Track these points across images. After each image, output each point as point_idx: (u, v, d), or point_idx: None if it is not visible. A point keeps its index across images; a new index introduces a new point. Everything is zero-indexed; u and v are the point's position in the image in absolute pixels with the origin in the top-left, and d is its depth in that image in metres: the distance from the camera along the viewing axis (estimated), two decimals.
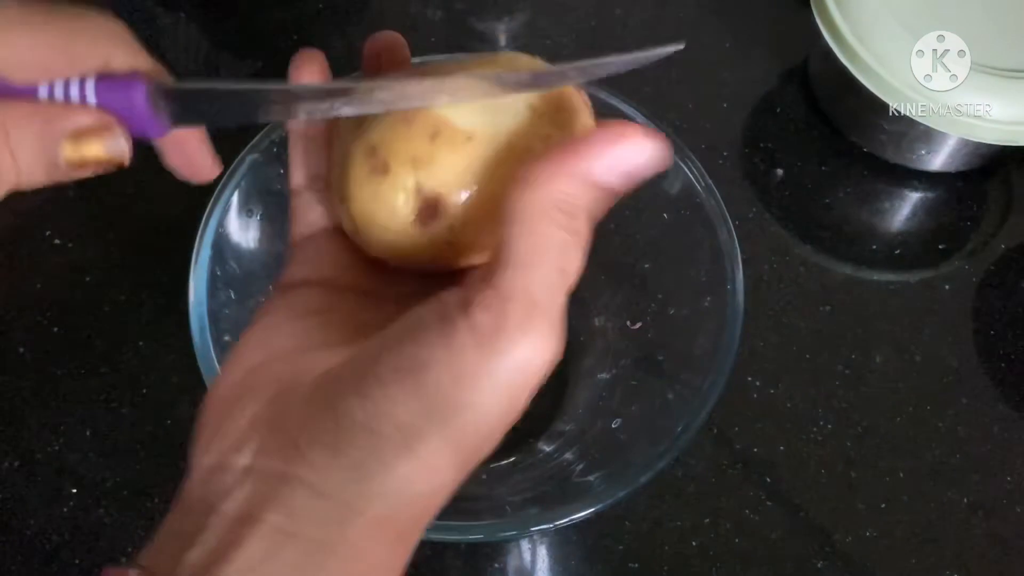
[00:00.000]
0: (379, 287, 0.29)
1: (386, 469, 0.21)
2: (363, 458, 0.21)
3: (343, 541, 0.21)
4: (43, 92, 0.23)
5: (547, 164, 0.23)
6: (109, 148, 0.24)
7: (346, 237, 0.30)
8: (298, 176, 0.32)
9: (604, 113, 0.45)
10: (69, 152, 0.23)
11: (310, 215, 0.31)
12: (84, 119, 0.23)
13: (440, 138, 0.26)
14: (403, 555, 0.23)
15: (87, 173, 0.24)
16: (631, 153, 0.23)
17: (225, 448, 0.23)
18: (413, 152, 0.26)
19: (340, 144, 0.29)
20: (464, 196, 0.26)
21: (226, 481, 0.22)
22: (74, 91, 0.23)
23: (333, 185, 0.29)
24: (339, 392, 0.22)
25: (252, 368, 0.25)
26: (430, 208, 0.26)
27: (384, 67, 0.31)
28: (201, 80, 0.25)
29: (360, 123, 0.28)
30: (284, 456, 0.22)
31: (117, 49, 0.24)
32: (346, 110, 0.25)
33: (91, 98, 0.23)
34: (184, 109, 0.24)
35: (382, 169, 0.26)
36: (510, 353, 0.21)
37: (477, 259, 0.29)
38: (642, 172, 0.23)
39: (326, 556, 0.21)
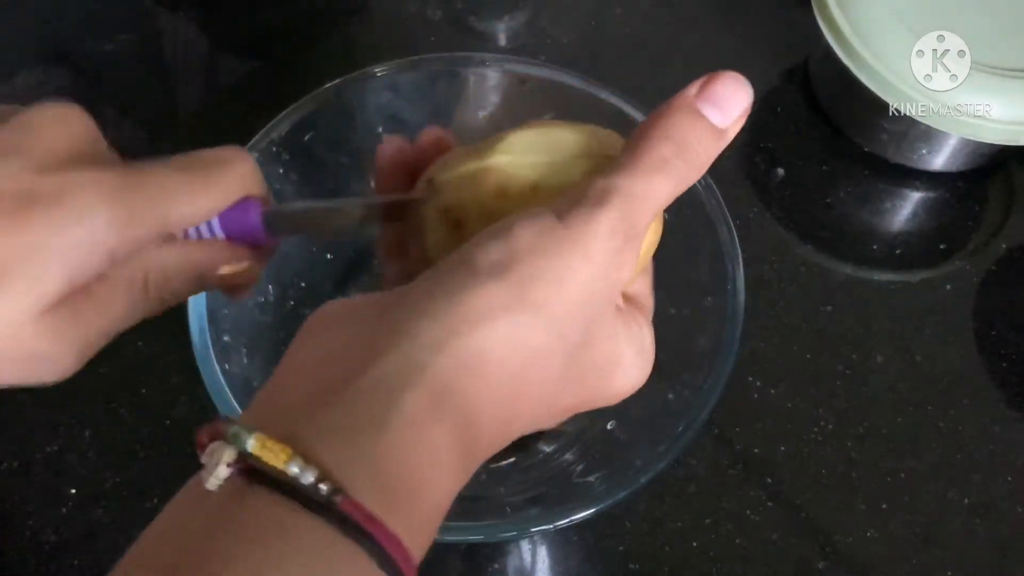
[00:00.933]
0: None
1: (482, 289, 0.23)
2: (460, 281, 0.23)
3: (434, 369, 0.22)
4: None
5: (654, 112, 0.26)
6: (249, 273, 0.29)
7: None
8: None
9: (604, 112, 0.45)
10: (219, 280, 0.29)
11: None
12: (232, 258, 0.29)
13: (508, 193, 0.28)
14: (460, 456, 0.23)
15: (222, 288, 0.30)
16: (724, 86, 0.28)
17: (323, 337, 0.25)
18: (484, 208, 0.28)
19: (415, 217, 0.31)
20: None
21: (320, 349, 0.24)
22: (203, 227, 0.28)
23: (411, 253, 0.31)
24: (438, 269, 0.24)
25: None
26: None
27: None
28: (300, 203, 0.31)
29: (430, 188, 0.30)
30: (384, 316, 0.24)
31: (249, 183, 0.28)
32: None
33: (217, 229, 0.28)
34: (282, 224, 0.29)
35: (455, 226, 0.28)
36: (585, 221, 0.24)
37: None
38: (738, 107, 0.28)
39: (411, 385, 0.22)
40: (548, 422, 0.26)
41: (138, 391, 0.49)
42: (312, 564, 0.19)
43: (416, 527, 0.22)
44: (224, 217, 0.28)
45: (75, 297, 0.25)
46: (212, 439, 0.21)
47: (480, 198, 0.28)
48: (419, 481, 0.22)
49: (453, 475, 0.23)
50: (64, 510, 0.46)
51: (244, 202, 0.28)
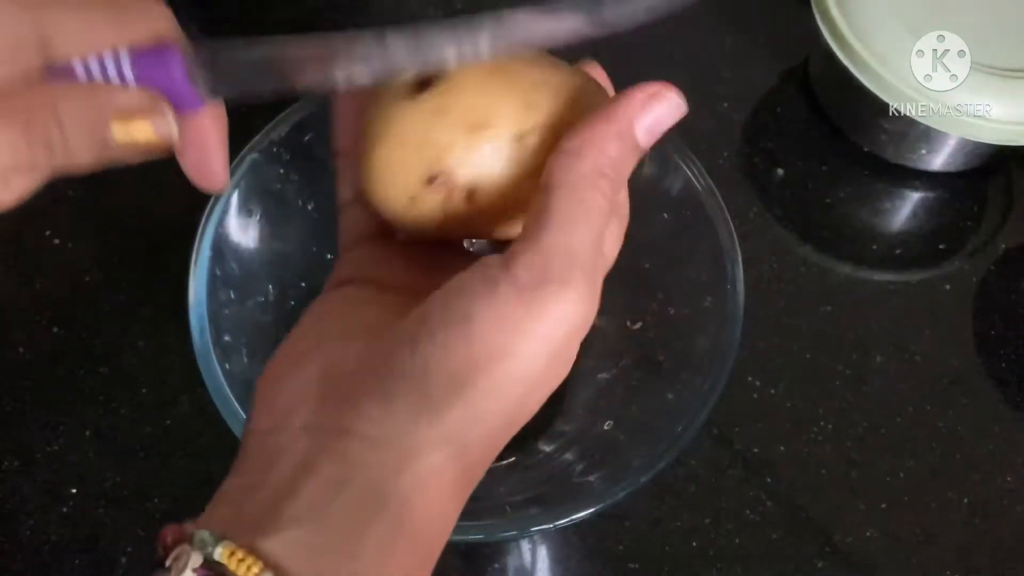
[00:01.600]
0: (424, 285, 0.30)
1: (437, 416, 0.22)
2: (415, 405, 0.22)
3: (396, 490, 0.22)
4: (79, 69, 0.22)
5: (589, 132, 0.24)
6: (159, 129, 0.23)
7: (391, 242, 0.31)
8: (345, 191, 0.33)
9: None
10: (119, 133, 0.23)
11: (357, 225, 0.32)
12: (132, 99, 0.23)
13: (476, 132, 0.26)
14: (456, 507, 0.23)
15: (138, 156, 0.24)
16: (666, 109, 0.25)
17: (280, 411, 0.24)
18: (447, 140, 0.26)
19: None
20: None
21: (282, 440, 0.23)
22: (110, 66, 0.22)
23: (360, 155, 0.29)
24: (390, 349, 0.23)
25: (303, 349, 0.26)
26: (425, 81, 0.27)
27: None
28: (235, 42, 0.24)
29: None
30: (338, 411, 0.23)
31: (166, 23, 0.24)
32: (369, 70, 0.25)
33: (127, 71, 0.22)
34: (220, 77, 0.24)
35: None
36: (551, 305, 0.22)
37: (492, 228, 0.29)
38: (664, 127, 0.26)
39: (380, 504, 0.22)
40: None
41: (138, 391, 0.49)
42: None
43: None
44: (136, 61, 0.22)
45: None
46: (176, 541, 0.21)
47: (410, 131, 0.26)
48: None
49: (438, 550, 0.23)
50: (64, 510, 0.46)
51: (163, 45, 0.23)
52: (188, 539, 0.21)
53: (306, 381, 0.24)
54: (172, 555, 0.21)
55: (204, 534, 0.21)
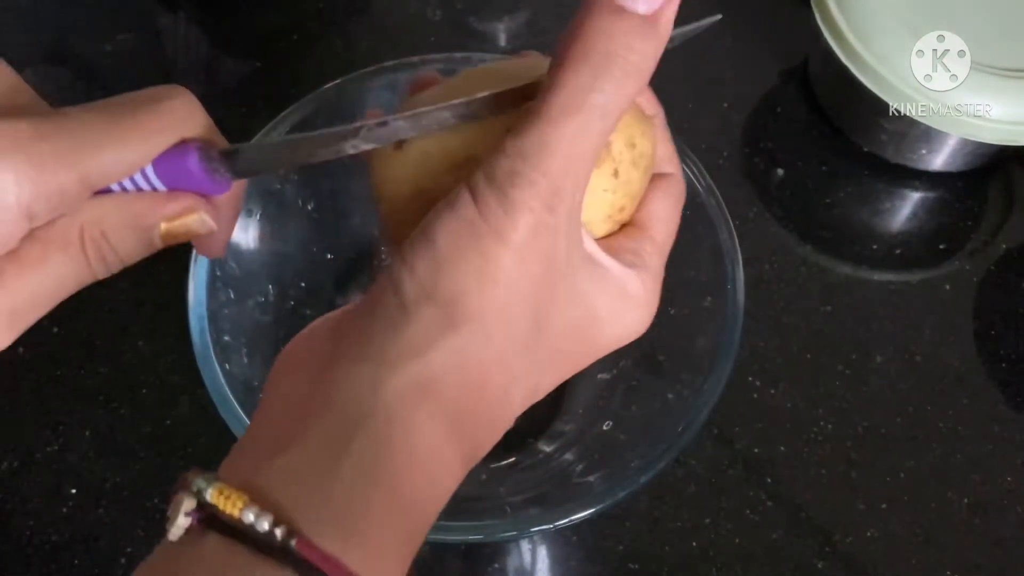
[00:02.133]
0: None
1: (409, 328, 0.23)
2: (392, 320, 0.23)
3: (374, 408, 0.22)
4: (115, 187, 0.25)
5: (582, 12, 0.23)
6: (196, 224, 0.26)
7: None
8: None
9: None
10: (164, 236, 0.26)
11: None
12: (170, 208, 0.25)
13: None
14: (449, 455, 0.23)
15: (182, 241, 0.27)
16: None
17: (290, 371, 0.25)
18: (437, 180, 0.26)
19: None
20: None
21: (286, 391, 0.24)
22: (140, 180, 0.25)
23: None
24: (371, 295, 0.24)
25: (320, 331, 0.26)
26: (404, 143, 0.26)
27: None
28: (251, 142, 0.27)
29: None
30: (330, 350, 0.24)
31: (186, 124, 0.25)
32: (364, 145, 0.26)
33: (153, 178, 0.25)
34: (238, 165, 0.26)
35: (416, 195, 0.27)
36: (506, 217, 0.22)
37: None
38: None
39: (359, 422, 0.22)
40: (537, 397, 0.26)
41: (138, 391, 0.49)
42: None
43: (382, 559, 0.22)
44: (159, 164, 0.25)
45: None
46: (179, 490, 0.22)
47: (405, 180, 0.27)
48: (379, 516, 0.22)
49: (436, 495, 0.23)
50: (64, 510, 0.46)
51: (181, 146, 0.25)
52: (188, 486, 0.21)
53: (312, 342, 0.25)
54: (172, 502, 0.21)
55: (199, 479, 0.21)
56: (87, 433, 0.48)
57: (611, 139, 0.25)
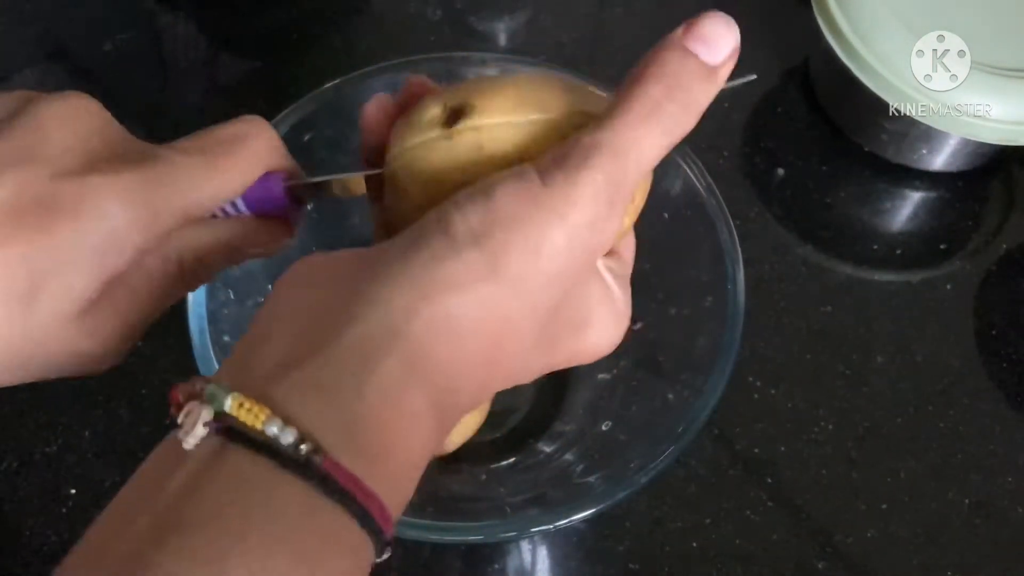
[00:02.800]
0: None
1: (455, 254, 0.23)
2: (432, 247, 0.23)
3: (408, 329, 0.22)
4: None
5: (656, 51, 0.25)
6: (280, 246, 0.31)
7: None
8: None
9: None
10: (254, 255, 0.30)
11: None
12: (256, 238, 0.29)
13: (481, 161, 0.26)
14: (436, 418, 0.23)
15: None
16: (708, 21, 0.26)
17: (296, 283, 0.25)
18: (452, 178, 0.26)
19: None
20: (493, 112, 0.26)
21: (293, 298, 0.24)
22: (230, 208, 0.29)
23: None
24: (418, 225, 0.24)
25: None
26: (456, 113, 0.26)
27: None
28: (331, 176, 0.31)
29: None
30: (353, 277, 0.24)
31: (270, 157, 0.29)
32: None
33: (240, 205, 0.29)
34: (317, 193, 0.30)
35: (423, 198, 0.27)
36: (569, 194, 0.23)
37: None
38: (725, 42, 0.26)
39: (389, 341, 0.22)
40: (523, 379, 0.26)
41: (138, 391, 0.49)
42: (294, 523, 0.19)
43: (394, 486, 0.22)
44: (248, 194, 0.28)
45: (111, 290, 0.26)
46: (188, 398, 0.21)
47: (447, 170, 0.26)
48: (396, 443, 0.22)
49: (429, 436, 0.23)
50: (64, 510, 0.46)
51: (266, 177, 0.29)
52: (199, 395, 0.21)
53: (334, 261, 0.25)
54: (183, 411, 0.21)
55: (214, 388, 0.21)
56: (87, 433, 0.48)
57: None
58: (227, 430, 0.20)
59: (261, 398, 0.21)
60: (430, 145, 0.27)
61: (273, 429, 0.20)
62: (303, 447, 0.20)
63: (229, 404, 0.20)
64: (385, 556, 0.21)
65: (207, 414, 0.21)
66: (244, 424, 0.20)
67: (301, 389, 0.21)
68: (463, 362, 0.23)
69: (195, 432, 0.21)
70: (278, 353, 0.22)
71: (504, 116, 0.26)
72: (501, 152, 0.26)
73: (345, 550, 0.20)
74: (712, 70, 0.26)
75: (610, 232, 0.24)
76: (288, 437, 0.20)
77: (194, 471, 0.20)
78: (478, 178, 0.25)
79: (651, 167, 0.25)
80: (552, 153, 0.24)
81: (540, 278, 0.23)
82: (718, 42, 0.26)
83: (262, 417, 0.20)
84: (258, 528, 0.19)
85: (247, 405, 0.20)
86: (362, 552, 0.21)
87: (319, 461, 0.20)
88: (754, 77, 0.29)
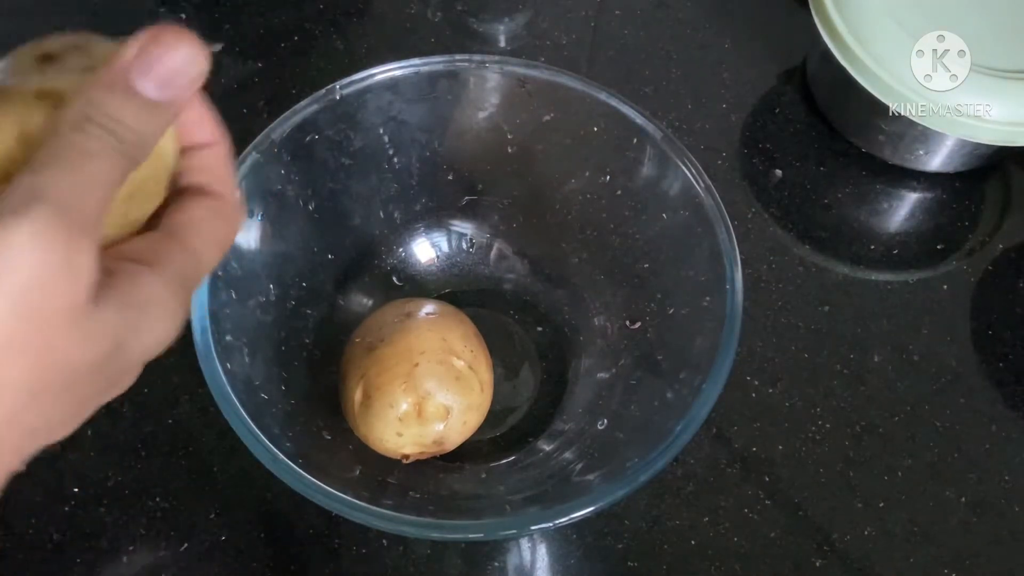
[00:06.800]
0: None
1: None
2: None
3: None
4: None
5: (87, 84, 0.23)
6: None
7: None
8: None
9: (603, 112, 0.45)
10: None
11: None
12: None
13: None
14: None
15: None
16: (168, 56, 0.25)
17: None
18: None
19: None
20: None
21: None
22: None
23: None
24: None
25: None
26: None
27: None
28: None
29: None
30: None
31: None
32: None
33: None
34: None
35: None
36: (7, 251, 0.20)
37: None
38: (182, 78, 0.24)
39: None
40: (70, 431, 0.25)
41: (139, 391, 0.49)
42: None
43: None
44: None
45: None
46: None
47: None
48: None
49: None
50: (66, 509, 0.46)
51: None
52: None
53: None
54: None
55: None
56: (89, 432, 0.48)
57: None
58: None
59: None
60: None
61: None
62: None
63: None
64: None
65: None
66: None
67: None
68: None
69: None
70: None
71: None
72: None
73: None
74: (157, 104, 0.24)
75: (81, 277, 0.21)
76: None
77: None
78: None
79: (104, 202, 0.22)
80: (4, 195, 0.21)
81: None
82: (173, 78, 0.25)
83: None
84: None
85: None
86: None
87: None
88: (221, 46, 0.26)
